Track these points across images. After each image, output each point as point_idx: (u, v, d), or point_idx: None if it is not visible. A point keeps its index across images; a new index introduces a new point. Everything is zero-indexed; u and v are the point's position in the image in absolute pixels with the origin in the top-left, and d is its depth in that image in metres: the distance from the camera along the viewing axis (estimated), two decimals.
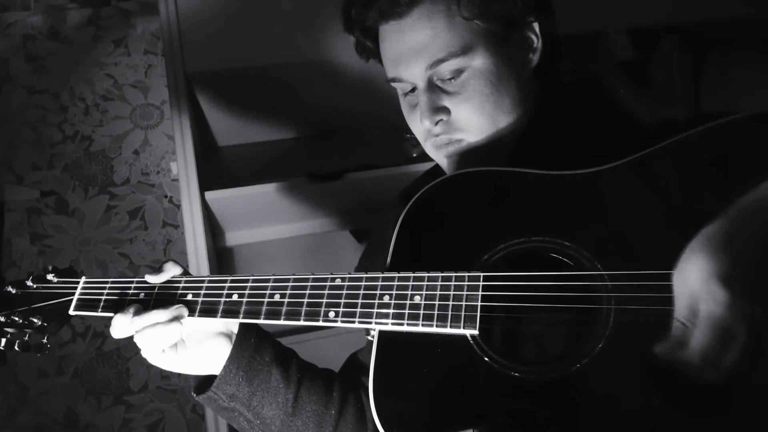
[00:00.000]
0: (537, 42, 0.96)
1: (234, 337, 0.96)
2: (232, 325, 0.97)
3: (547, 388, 0.76)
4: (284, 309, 0.88)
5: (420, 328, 0.83)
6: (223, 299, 0.91)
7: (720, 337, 0.65)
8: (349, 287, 0.87)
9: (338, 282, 0.88)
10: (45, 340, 0.97)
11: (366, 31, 0.98)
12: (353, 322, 0.85)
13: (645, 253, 0.77)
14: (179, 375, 2.05)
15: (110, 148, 2.29)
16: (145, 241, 2.23)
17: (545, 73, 0.99)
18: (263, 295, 0.90)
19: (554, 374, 0.77)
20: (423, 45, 0.91)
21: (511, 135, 0.95)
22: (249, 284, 0.91)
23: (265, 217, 2.03)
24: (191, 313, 0.92)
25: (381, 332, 0.85)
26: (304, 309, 0.88)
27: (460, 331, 0.81)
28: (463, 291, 0.82)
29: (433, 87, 0.93)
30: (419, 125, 0.96)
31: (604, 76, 0.97)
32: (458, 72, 0.92)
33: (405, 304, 0.84)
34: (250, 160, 2.07)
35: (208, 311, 0.91)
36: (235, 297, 0.91)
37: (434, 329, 0.82)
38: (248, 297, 0.90)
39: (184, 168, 1.72)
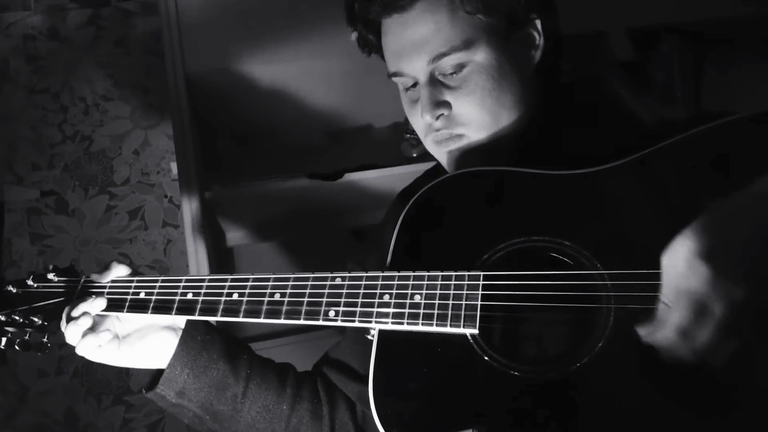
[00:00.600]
0: (539, 39, 0.96)
1: (180, 333, 0.97)
2: (179, 320, 0.97)
3: (547, 388, 0.76)
4: (284, 308, 0.88)
5: (420, 328, 0.83)
6: (223, 298, 0.91)
7: (695, 311, 0.65)
8: (349, 286, 0.87)
9: (338, 281, 0.88)
10: (45, 339, 0.97)
11: (369, 24, 0.98)
12: (353, 321, 0.85)
13: (645, 252, 0.77)
14: None
15: (110, 148, 2.29)
16: (145, 241, 2.23)
17: (546, 72, 0.99)
18: (263, 295, 0.90)
19: (554, 373, 0.77)
20: (425, 39, 0.91)
21: (511, 133, 0.95)
22: (249, 283, 0.91)
23: (265, 217, 2.03)
24: (191, 313, 0.92)
25: (381, 331, 0.85)
26: (304, 308, 0.88)
27: (460, 330, 0.81)
28: (463, 290, 0.82)
29: (434, 81, 0.93)
30: (420, 120, 0.95)
31: (604, 76, 0.97)
32: (460, 66, 0.92)
33: (405, 303, 0.84)
34: (250, 159, 2.07)
35: (209, 311, 0.92)
36: (235, 296, 0.91)
37: (434, 328, 0.82)
38: (248, 296, 0.90)
39: (184, 168, 1.72)
